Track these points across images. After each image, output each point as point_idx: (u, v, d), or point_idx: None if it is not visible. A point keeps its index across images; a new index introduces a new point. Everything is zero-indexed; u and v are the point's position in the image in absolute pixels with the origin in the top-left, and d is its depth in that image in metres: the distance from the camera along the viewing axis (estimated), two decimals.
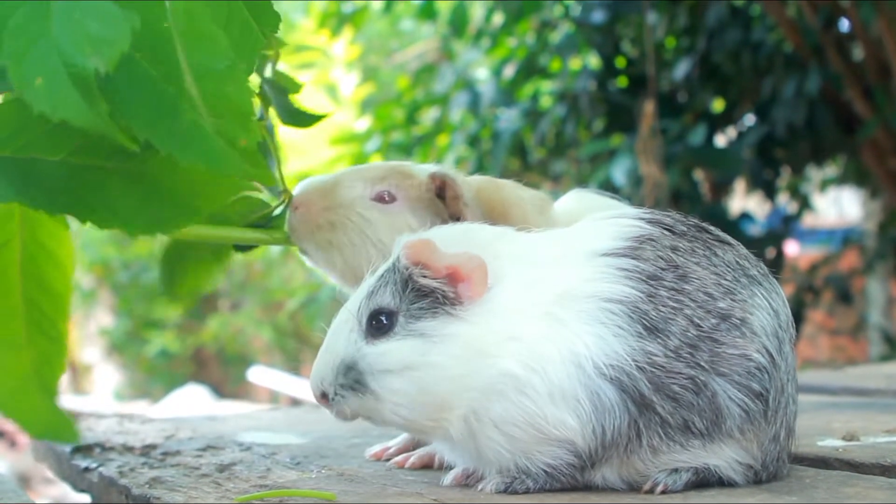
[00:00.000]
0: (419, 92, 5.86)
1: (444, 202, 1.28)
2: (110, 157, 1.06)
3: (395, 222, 1.27)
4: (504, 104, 5.09)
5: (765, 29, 4.69)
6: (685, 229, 1.08)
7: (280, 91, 1.40)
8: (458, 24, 4.98)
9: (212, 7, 1.05)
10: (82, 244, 9.35)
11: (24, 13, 0.96)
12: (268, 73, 1.41)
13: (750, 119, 5.03)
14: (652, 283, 1.02)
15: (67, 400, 7.85)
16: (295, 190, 1.32)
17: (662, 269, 1.03)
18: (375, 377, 1.03)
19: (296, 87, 1.42)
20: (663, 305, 1.01)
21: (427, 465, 1.25)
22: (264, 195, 1.36)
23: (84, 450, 1.47)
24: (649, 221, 1.08)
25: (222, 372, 10.43)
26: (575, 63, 5.08)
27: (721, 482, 1.04)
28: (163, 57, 0.99)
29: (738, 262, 1.07)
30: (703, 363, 1.00)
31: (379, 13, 6.05)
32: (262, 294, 9.96)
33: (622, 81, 5.04)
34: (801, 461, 1.20)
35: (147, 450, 1.47)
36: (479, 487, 1.05)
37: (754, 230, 5.00)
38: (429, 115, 5.73)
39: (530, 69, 5.17)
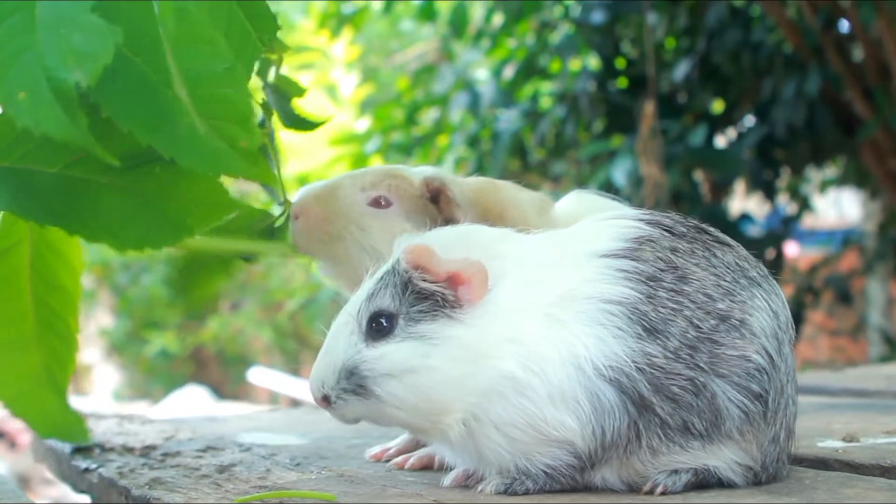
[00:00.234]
0: (419, 92, 5.86)
1: (437, 206, 1.28)
2: (105, 171, 1.06)
3: (390, 227, 1.27)
4: (504, 105, 5.09)
5: (765, 29, 4.69)
6: (685, 230, 1.08)
7: (282, 95, 1.40)
8: (457, 24, 4.98)
9: (211, 12, 1.05)
10: (83, 244, 9.32)
11: (8, 26, 0.95)
12: (271, 77, 1.41)
13: (750, 120, 5.03)
14: (651, 284, 1.02)
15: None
16: (294, 198, 1.33)
17: (662, 271, 1.03)
18: (377, 380, 1.03)
19: (299, 91, 1.41)
20: (663, 307, 1.01)
21: (427, 467, 1.25)
22: (268, 207, 1.37)
23: (84, 450, 1.47)
24: (649, 222, 1.08)
25: (222, 373, 10.42)
26: (575, 64, 5.08)
27: (720, 483, 1.04)
28: (160, 61, 0.99)
29: (737, 264, 1.07)
30: (702, 364, 1.00)
31: (379, 14, 6.06)
32: (261, 295, 9.95)
33: (622, 82, 5.04)
34: (800, 462, 1.20)
35: (147, 451, 1.47)
36: (479, 488, 1.05)
37: (754, 231, 5.00)
38: (428, 116, 5.73)
39: (530, 70, 5.17)
